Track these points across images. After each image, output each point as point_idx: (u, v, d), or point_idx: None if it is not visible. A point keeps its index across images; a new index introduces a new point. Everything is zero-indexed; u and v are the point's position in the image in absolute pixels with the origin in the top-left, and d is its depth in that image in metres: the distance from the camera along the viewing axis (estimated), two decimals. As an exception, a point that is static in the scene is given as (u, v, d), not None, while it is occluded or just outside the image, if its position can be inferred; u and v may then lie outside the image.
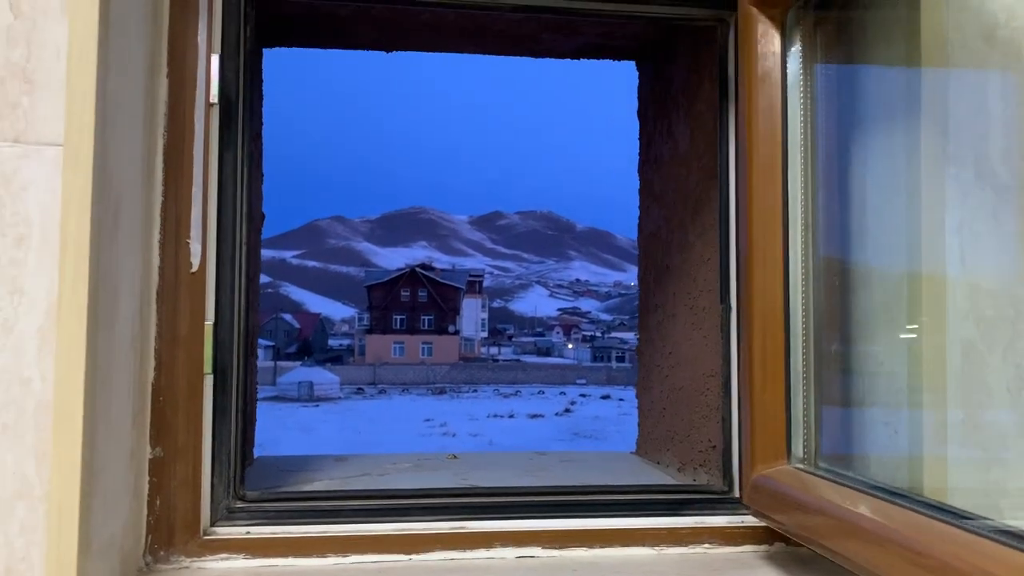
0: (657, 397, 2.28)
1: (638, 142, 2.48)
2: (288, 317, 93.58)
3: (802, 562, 1.59)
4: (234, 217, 1.63)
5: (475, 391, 53.11)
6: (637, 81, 2.54)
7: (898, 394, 1.58)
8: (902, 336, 1.58)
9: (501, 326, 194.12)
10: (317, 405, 43.84)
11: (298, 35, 2.23)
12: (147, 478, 1.51)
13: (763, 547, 1.65)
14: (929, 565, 1.06)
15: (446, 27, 2.23)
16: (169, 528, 1.52)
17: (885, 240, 1.62)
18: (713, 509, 1.71)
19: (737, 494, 1.74)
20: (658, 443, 2.27)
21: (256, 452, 2.26)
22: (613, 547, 1.62)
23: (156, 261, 1.54)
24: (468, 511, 1.67)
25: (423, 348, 68.54)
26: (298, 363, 54.96)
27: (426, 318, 68.65)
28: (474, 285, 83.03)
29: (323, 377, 47.94)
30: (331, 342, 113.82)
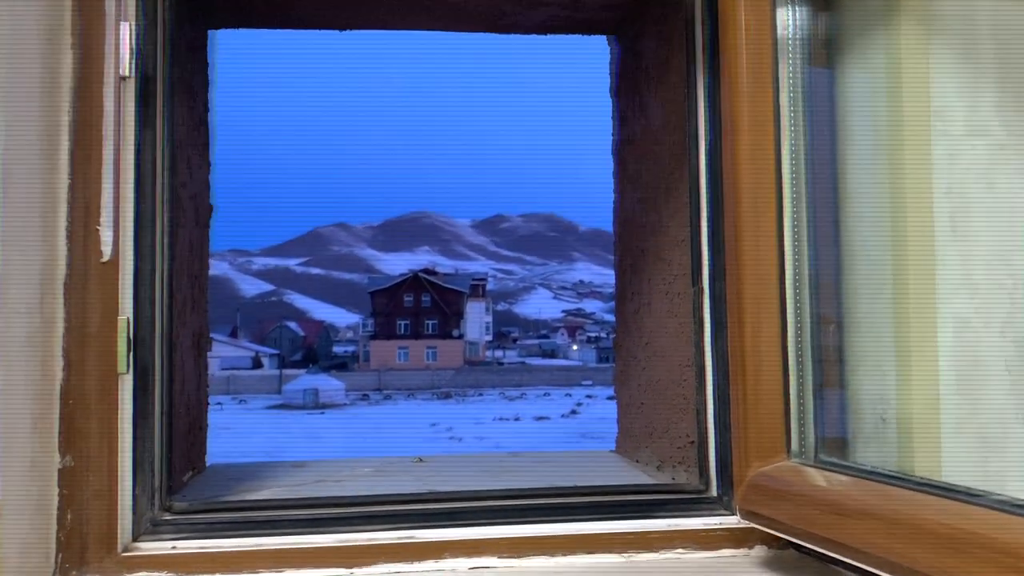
0: (635, 391, 2.15)
1: (612, 122, 2.35)
2: (293, 325, 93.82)
3: (786, 566, 1.45)
4: (155, 203, 1.49)
5: (480, 395, 53.14)
6: (608, 57, 2.41)
7: (890, 375, 1.46)
8: (894, 312, 1.45)
9: (505, 329, 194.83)
10: (323, 412, 43.92)
11: (242, 13, 2.10)
12: (56, 490, 1.37)
13: (742, 550, 1.51)
14: (962, 543, 0.98)
15: (399, 2, 2.10)
16: (82, 544, 1.38)
17: (878, 209, 1.50)
18: (688, 510, 1.57)
19: (715, 493, 1.60)
20: (637, 440, 2.13)
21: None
22: (577, 554, 1.48)
23: (63, 249, 1.41)
24: (418, 519, 1.53)
25: (428, 353, 68.50)
26: (303, 371, 55.10)
27: (430, 323, 68.67)
28: (478, 289, 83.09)
29: (328, 384, 48.01)
30: (336, 349, 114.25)
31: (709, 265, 1.65)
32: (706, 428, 1.61)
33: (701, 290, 1.66)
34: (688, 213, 1.75)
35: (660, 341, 1.96)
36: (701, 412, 1.64)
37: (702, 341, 1.64)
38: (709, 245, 1.65)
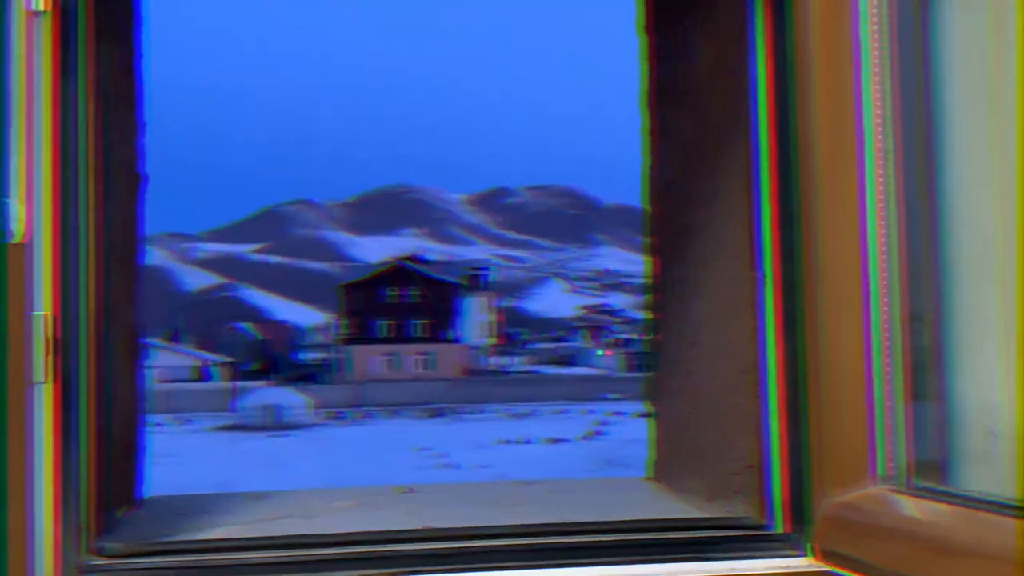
0: (677, 403, 2.14)
1: (642, 66, 2.33)
2: (245, 327, 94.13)
3: (872, 621, 1.44)
4: (77, 169, 1.48)
5: (481, 412, 53.20)
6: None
7: (1001, 380, 1.44)
8: (1007, 304, 1.43)
9: (511, 330, 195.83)
10: (286, 434, 44.02)
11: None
12: (-44, 529, 1.37)
13: (818, 601, 1.50)
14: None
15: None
16: (-12, 599, 1.38)
17: (988, 174, 1.48)
18: (748, 551, 1.57)
19: (781, 529, 1.59)
20: (680, 465, 2.12)
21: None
22: (611, 606, 1.48)
23: (-39, 229, 1.40)
24: (409, 561, 1.52)
25: (414, 360, 68.66)
26: (260, 383, 55.41)
27: (417, 323, 68.87)
28: (476, 280, 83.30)
29: (292, 399, 48.07)
30: (300, 356, 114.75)
31: (773, 244, 1.63)
32: (769, 448, 1.60)
33: (762, 275, 1.65)
34: (745, 178, 1.73)
35: (709, 339, 1.95)
36: (763, 428, 1.62)
37: (764, 339, 1.63)
38: (774, 219, 1.63)
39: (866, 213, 1.52)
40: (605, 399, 58.25)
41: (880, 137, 1.51)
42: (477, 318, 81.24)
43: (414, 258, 79.63)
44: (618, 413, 47.07)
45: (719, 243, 1.92)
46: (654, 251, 2.25)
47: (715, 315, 1.93)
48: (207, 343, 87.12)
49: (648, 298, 2.32)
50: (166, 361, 66.91)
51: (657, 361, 2.21)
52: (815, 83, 1.53)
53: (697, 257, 2.01)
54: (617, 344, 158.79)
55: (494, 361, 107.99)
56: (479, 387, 58.95)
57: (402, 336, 68.68)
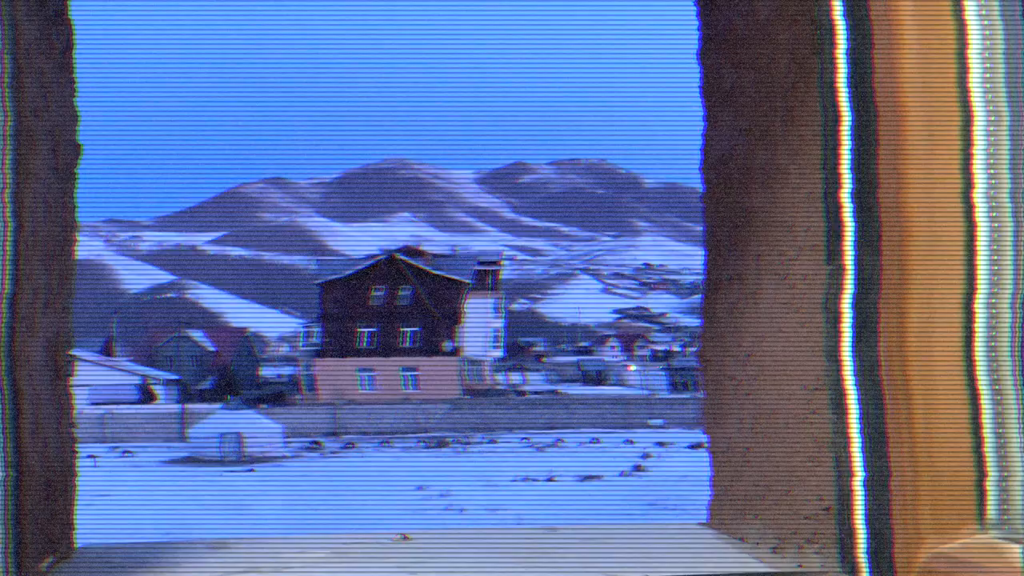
0: (735, 431, 2.13)
1: (694, 10, 2.33)
2: (200, 335, 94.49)
3: None
4: (-8, 140, 1.48)
5: (492, 442, 53.00)
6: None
7: None
8: None
9: (527, 339, 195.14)
10: (251, 469, 43.99)
11: None
12: None
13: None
14: None
15: None
16: None
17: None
18: (824, 615, 1.56)
19: (866, 587, 1.58)
20: (740, 506, 2.12)
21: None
22: None
23: None
24: (402, 627, 1.52)
25: (407, 378, 68.54)
26: (218, 405, 55.56)
27: (411, 331, 68.96)
28: (486, 277, 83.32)
29: (258, 426, 47.98)
30: (266, 371, 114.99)
31: (854, 231, 1.62)
32: (849, 486, 1.59)
33: (839, 269, 1.64)
34: (816, 151, 1.72)
35: (772, 351, 1.94)
36: (841, 461, 1.61)
37: (840, 349, 1.62)
38: (853, 200, 1.63)
39: (972, 194, 1.51)
40: (649, 427, 57.95)
41: (988, 100, 1.50)
42: (486, 324, 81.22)
43: (410, 250, 79.64)
44: (665, 444, 46.82)
45: (784, 230, 1.92)
46: (707, 241, 2.24)
47: (779, 320, 1.92)
48: (154, 356, 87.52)
49: (701, 300, 2.32)
50: (103, 379, 67.29)
51: (710, 379, 2.21)
52: (903, 33, 1.52)
53: (758, 248, 2.00)
54: (662, 357, 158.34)
55: (508, 378, 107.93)
56: (490, 411, 58.79)
57: (393, 346, 68.77)
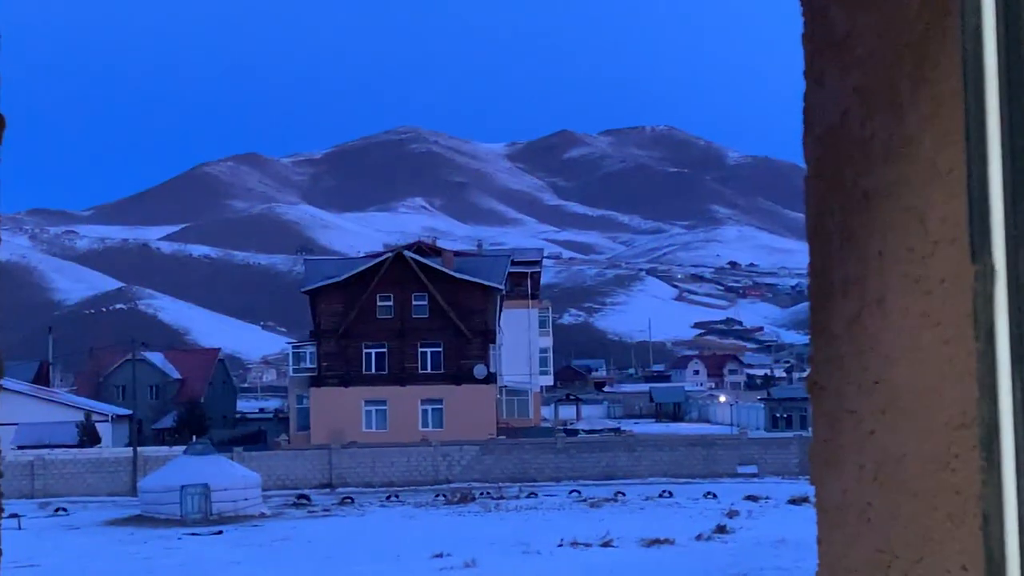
0: (853, 481, 2.14)
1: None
2: (157, 358, 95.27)
3: None
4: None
5: (532, 495, 53.15)
6: None
7: None
8: None
9: (581, 363, 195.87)
10: (219, 531, 44.33)
11: None
12: None
13: None
14: None
15: None
16: None
17: None
18: None
19: None
20: (859, 578, 2.13)
21: None
22: None
23: None
24: None
25: (425, 413, 68.72)
26: (179, 448, 56.03)
27: (429, 351, 69.16)
28: (523, 282, 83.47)
29: (230, 475, 48.22)
30: (242, 404, 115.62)
31: (1008, 221, 1.62)
32: (1002, 552, 1.59)
33: (990, 270, 1.64)
34: (961, 114, 1.72)
35: (905, 377, 1.95)
36: (991, 520, 1.61)
37: (995, 375, 1.62)
38: (1005, 179, 1.63)
39: None
40: (737, 476, 57.80)
41: None
42: (524, 342, 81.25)
43: (424, 246, 79.84)
44: (757, 498, 46.78)
45: (914, 219, 1.92)
46: (813, 234, 2.25)
47: (910, 336, 1.92)
48: (96, 386, 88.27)
49: (809, 311, 2.33)
50: (31, 414, 67.97)
51: (822, 413, 2.21)
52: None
53: (881, 242, 2.01)
54: (759, 385, 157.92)
55: (556, 413, 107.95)
56: (530, 455, 58.93)
57: (404, 372, 68.99)
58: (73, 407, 71.76)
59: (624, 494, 49.38)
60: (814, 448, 2.24)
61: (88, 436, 65.74)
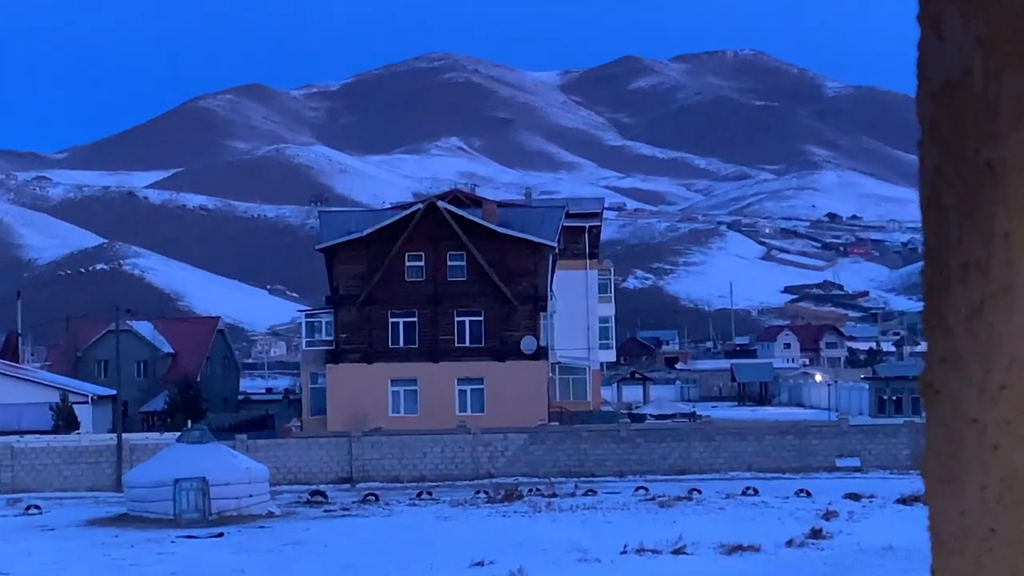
0: (974, 500, 2.17)
1: None
2: (145, 328, 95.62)
3: None
4: None
5: (590, 492, 53.03)
6: None
7: None
8: None
9: (648, 335, 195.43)
10: (219, 534, 44.47)
11: None
12: None
13: None
14: None
15: None
16: None
17: None
18: None
19: None
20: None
21: None
22: None
23: None
24: None
25: (463, 394, 68.61)
26: (172, 435, 56.40)
27: (468, 321, 69.14)
28: (580, 238, 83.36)
29: (231, 468, 48.31)
30: (245, 384, 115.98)
31: None
32: None
33: None
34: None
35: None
36: None
37: None
38: None
39: None
40: (836, 471, 57.48)
41: None
42: (581, 311, 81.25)
43: (460, 196, 79.88)
44: (859, 496, 46.60)
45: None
46: (928, 210, 2.25)
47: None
48: (74, 361, 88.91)
49: (924, 300, 2.34)
50: (1, 396, 68.58)
51: (939, 420, 2.22)
52: None
53: (1008, 223, 2.02)
54: (863, 361, 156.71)
55: (620, 395, 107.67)
56: (586, 445, 58.80)
57: (437, 345, 69.13)
58: (46, 386, 72.32)
59: (700, 491, 49.44)
60: (927, 462, 2.26)
61: (64, 420, 66.34)
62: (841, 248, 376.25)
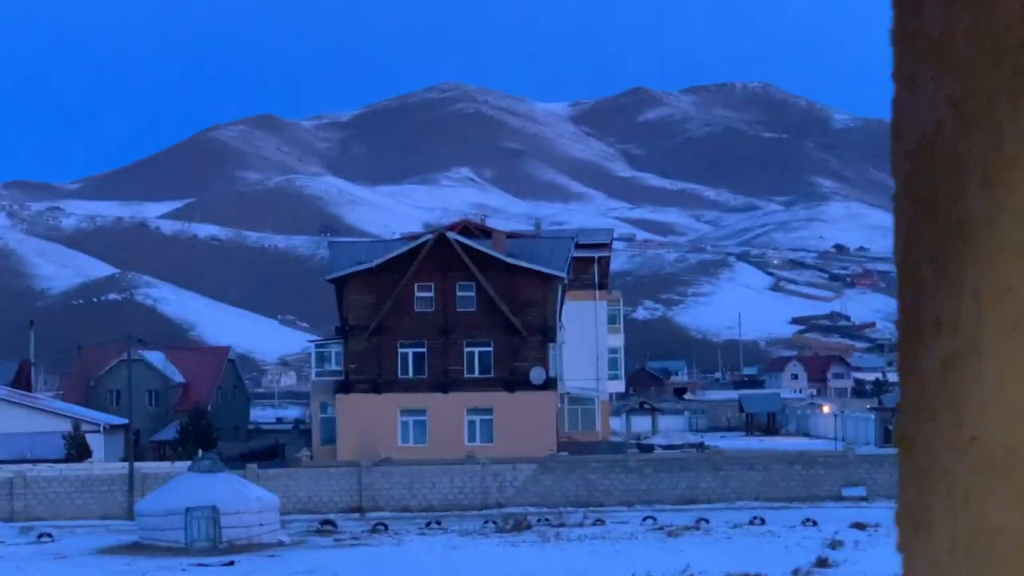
0: (943, 550, 2.20)
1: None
2: (156, 358, 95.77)
3: None
4: None
5: (599, 523, 52.97)
6: None
7: None
8: None
9: (657, 366, 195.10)
10: (230, 562, 44.55)
11: None
12: None
13: None
14: None
15: None
16: None
17: None
18: None
19: None
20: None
21: None
22: None
23: None
24: None
25: (472, 425, 68.56)
26: (183, 464, 56.41)
27: (477, 352, 69.10)
28: (589, 269, 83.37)
29: (242, 497, 48.29)
30: (256, 413, 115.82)
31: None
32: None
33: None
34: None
35: (1003, 435, 1.99)
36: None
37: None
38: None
39: None
40: (843, 500, 57.36)
41: None
42: (590, 341, 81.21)
43: (470, 226, 79.97)
44: (865, 526, 46.52)
45: (1015, 257, 1.96)
46: (902, 265, 2.29)
47: (1011, 390, 1.96)
48: (86, 390, 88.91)
49: (897, 350, 2.38)
50: (9, 423, 68.67)
51: (911, 469, 2.25)
52: None
53: (977, 279, 2.05)
54: (869, 392, 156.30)
55: (624, 425, 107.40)
56: (595, 475, 58.74)
57: (447, 376, 69.11)
58: (59, 415, 72.35)
59: (708, 521, 49.38)
60: (901, 511, 2.29)
61: (76, 449, 66.39)
62: (848, 279, 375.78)
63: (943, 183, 2.09)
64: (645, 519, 51.47)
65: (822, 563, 36.27)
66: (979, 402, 1.97)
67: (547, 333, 69.02)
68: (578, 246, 77.62)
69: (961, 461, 2.04)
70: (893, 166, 2.41)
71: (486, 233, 76.20)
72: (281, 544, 45.60)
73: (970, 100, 2.01)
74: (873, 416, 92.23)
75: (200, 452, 63.00)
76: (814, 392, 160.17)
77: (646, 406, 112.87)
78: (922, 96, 2.24)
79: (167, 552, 43.81)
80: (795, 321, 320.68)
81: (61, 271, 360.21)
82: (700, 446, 78.43)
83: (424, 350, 68.76)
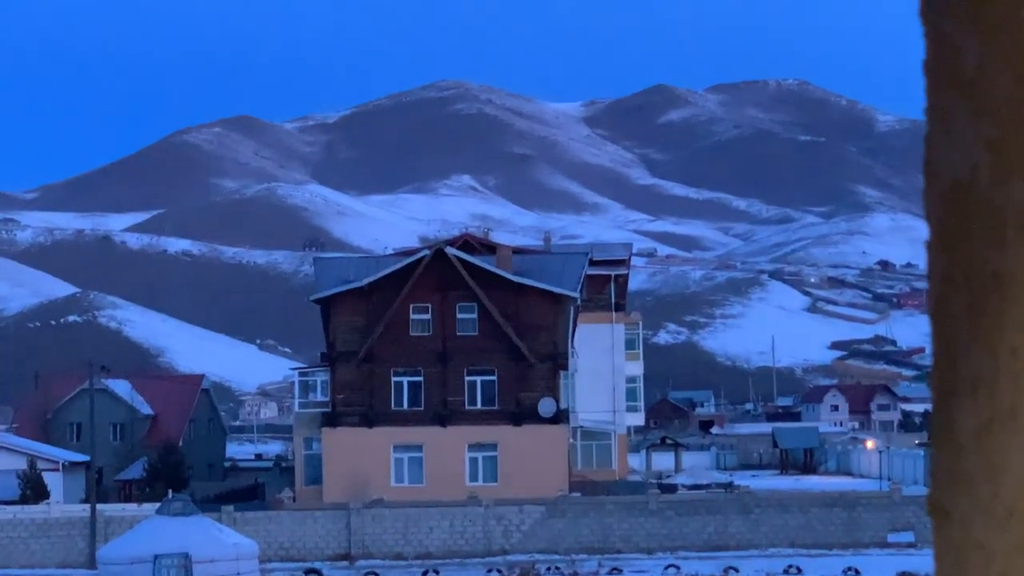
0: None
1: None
2: (122, 387, 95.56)
3: None
4: None
5: (615, 572, 52.87)
6: None
7: None
8: None
9: (680, 396, 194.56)
10: (202, 617, 44.53)
11: None
12: None
13: None
14: None
15: None
16: None
17: None
18: None
19: None
20: None
21: None
22: None
23: None
24: None
25: (474, 462, 68.39)
26: (152, 506, 56.35)
27: (480, 381, 68.95)
28: (605, 288, 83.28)
29: (217, 543, 48.23)
30: (232, 449, 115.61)
31: None
32: None
33: None
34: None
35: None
36: None
37: None
38: None
39: None
40: (887, 546, 57.23)
41: None
42: (606, 369, 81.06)
43: (472, 241, 79.86)
44: (912, 575, 46.45)
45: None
46: (936, 317, 2.33)
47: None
48: (43, 423, 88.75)
49: (931, 412, 2.42)
50: (-42, 461, 68.45)
51: (944, 541, 2.29)
52: None
53: (1016, 338, 2.09)
54: (918, 425, 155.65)
55: (644, 462, 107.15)
56: (611, 519, 58.56)
57: (446, 407, 69.00)
58: (12, 451, 72.27)
59: (738, 570, 49.38)
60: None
61: (32, 489, 66.33)
62: (894, 299, 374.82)
63: (979, 232, 2.12)
64: (667, 568, 51.44)
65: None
66: (1018, 472, 2.00)
67: (558, 360, 68.83)
68: (592, 263, 77.42)
69: (998, 537, 2.07)
70: (926, 209, 2.45)
71: (490, 248, 76.07)
72: (261, 596, 45.55)
73: (1011, 144, 2.05)
74: (922, 453, 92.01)
75: (170, 493, 62.88)
76: (856, 425, 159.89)
77: (668, 441, 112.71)
78: (957, 137, 2.28)
79: (133, 605, 43.74)
80: (835, 346, 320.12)
81: (15, 290, 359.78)
82: (729, 486, 78.32)
83: (420, 379, 68.62)
